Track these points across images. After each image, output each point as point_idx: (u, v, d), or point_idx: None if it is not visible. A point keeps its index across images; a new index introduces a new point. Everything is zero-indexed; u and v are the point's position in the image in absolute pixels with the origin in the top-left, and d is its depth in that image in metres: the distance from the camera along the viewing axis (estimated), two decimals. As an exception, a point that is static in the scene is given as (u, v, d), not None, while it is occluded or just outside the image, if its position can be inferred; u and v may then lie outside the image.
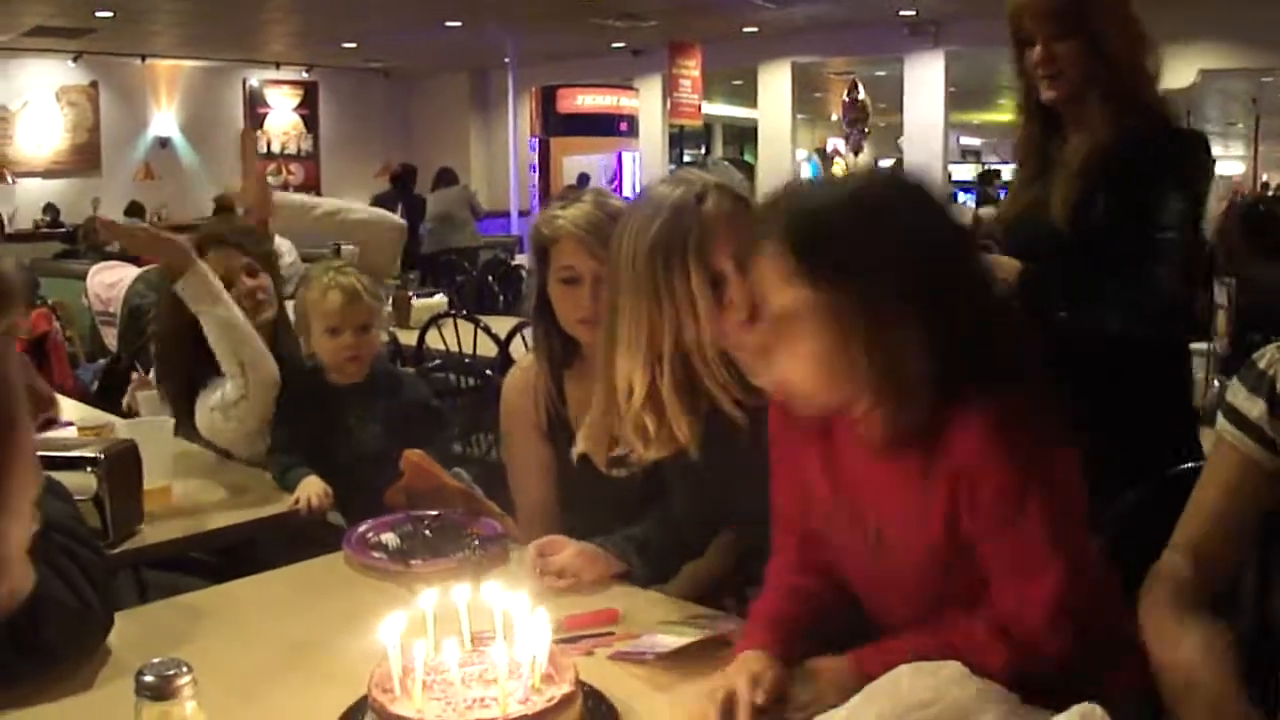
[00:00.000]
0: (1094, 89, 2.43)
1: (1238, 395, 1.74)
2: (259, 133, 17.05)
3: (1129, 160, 2.39)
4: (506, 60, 14.74)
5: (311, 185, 17.11)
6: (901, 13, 13.02)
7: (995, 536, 1.49)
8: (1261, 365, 1.73)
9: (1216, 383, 3.59)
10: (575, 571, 2.01)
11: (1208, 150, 2.55)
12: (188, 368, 3.04)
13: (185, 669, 1.33)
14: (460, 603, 1.56)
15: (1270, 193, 16.10)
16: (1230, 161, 20.74)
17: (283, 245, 4.98)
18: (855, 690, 1.45)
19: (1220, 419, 1.77)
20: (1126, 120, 2.41)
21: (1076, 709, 1.15)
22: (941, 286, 1.49)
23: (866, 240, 1.49)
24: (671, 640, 1.74)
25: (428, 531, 2.29)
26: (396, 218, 3.49)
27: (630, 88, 15.46)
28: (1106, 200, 2.39)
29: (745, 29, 14.37)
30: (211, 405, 2.98)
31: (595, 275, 2.20)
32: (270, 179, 15.77)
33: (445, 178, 12.27)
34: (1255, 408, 1.71)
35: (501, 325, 5.35)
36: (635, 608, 1.95)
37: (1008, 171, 22.02)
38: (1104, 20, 2.41)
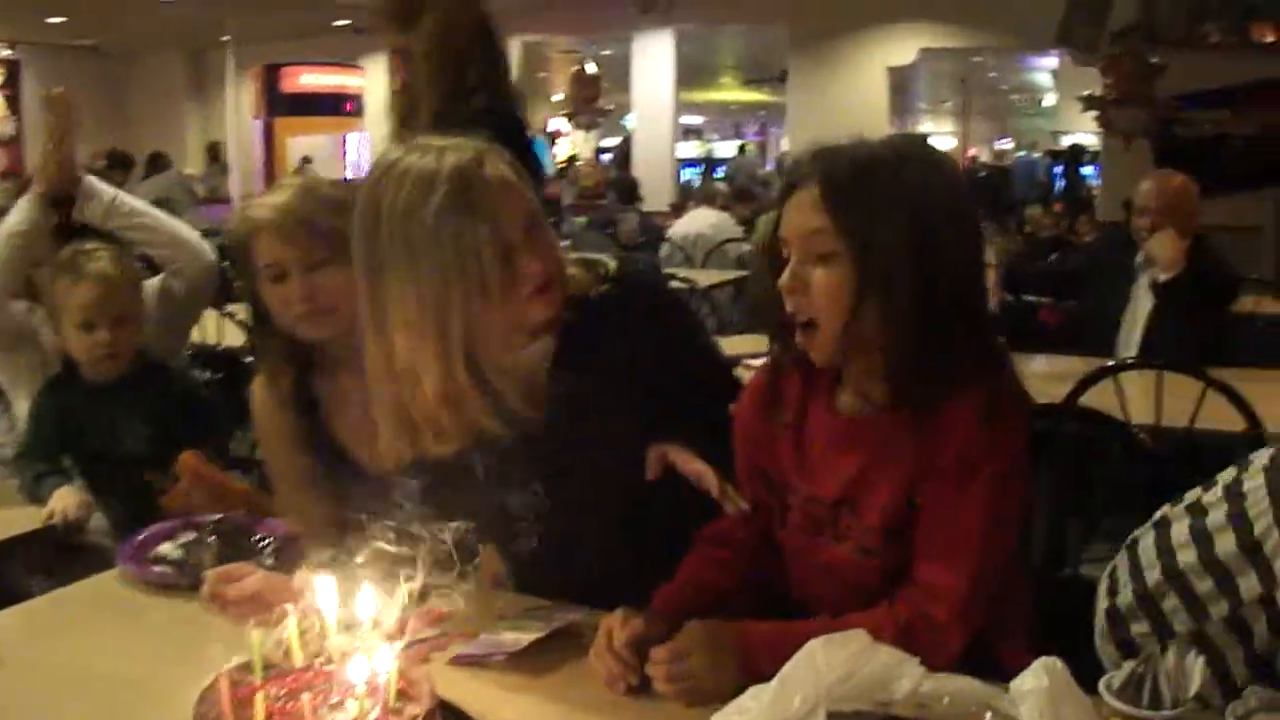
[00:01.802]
0: (420, 77, 2.84)
1: None
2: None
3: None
4: (226, 38, 14.11)
5: (15, 171, 15.97)
6: (631, -11, 13.04)
7: (935, 505, 1.56)
8: None
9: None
10: (266, 602, 1.64)
11: (515, 127, 2.86)
12: None
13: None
14: (290, 614, 1.39)
15: (983, 167, 16.98)
16: (942, 137, 21.69)
17: None
18: (730, 660, 1.47)
19: None
20: (450, 103, 2.80)
21: (1039, 663, 1.10)
22: (957, 254, 1.59)
23: (899, 190, 1.56)
24: (515, 637, 1.62)
25: (212, 538, 2.07)
26: (210, 253, 3.03)
27: (356, 66, 15.01)
28: None
29: (473, 6, 14.13)
30: None
31: (304, 263, 2.06)
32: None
33: (157, 163, 11.65)
34: None
35: (245, 312, 5.07)
36: (464, 604, 1.79)
37: (726, 149, 22.65)
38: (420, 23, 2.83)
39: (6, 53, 16.49)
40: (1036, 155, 19.33)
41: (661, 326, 1.90)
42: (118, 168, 11.34)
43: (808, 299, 1.60)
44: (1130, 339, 4.09)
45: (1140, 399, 2.98)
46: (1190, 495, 1.54)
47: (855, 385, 1.68)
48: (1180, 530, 1.49)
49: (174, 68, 17.18)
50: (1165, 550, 1.49)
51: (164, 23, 14.48)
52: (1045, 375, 3.72)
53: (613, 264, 1.92)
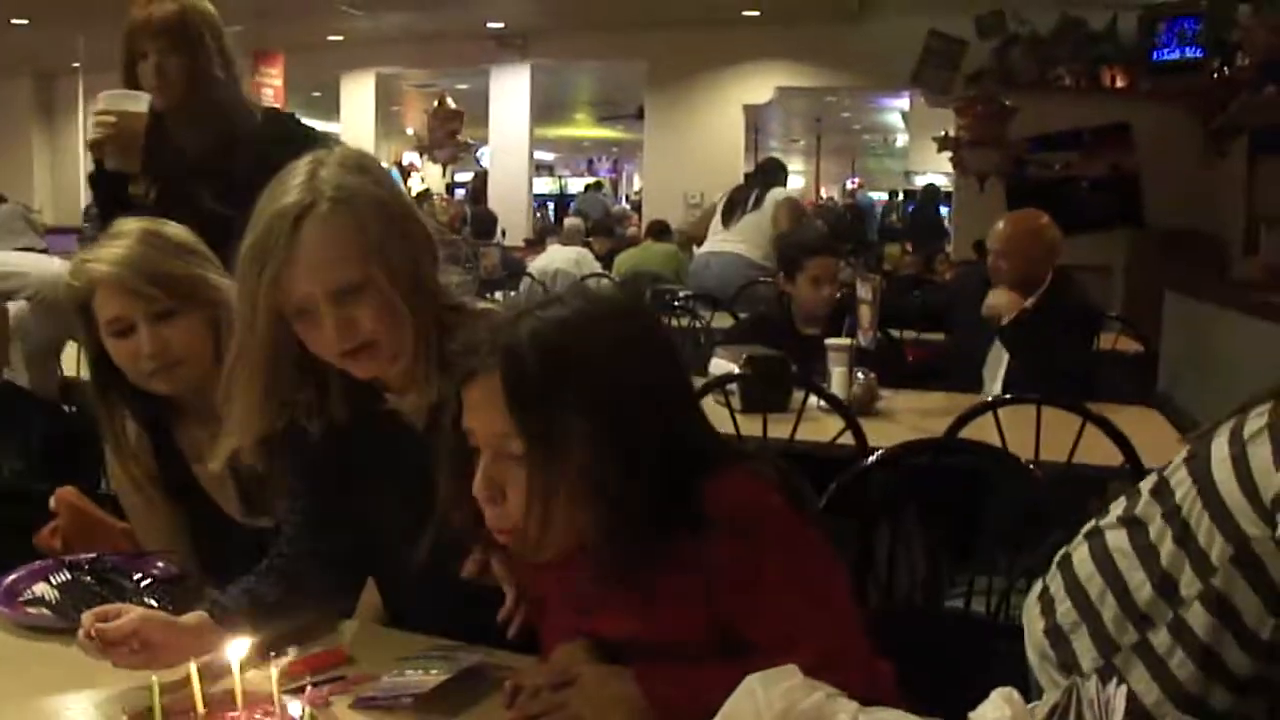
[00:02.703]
0: (192, 99, 2.86)
1: None
2: None
3: (222, 157, 2.82)
4: (76, 64, 13.68)
5: None
6: (490, 24, 13.00)
7: (750, 614, 1.44)
8: None
9: (860, 375, 3.74)
10: (146, 641, 1.59)
11: (290, 140, 2.80)
12: None
13: None
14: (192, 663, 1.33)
15: (843, 207, 17.28)
16: (792, 176, 22.00)
17: None
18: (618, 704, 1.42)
19: None
20: (218, 125, 2.90)
21: (998, 694, 1.09)
22: (658, 406, 1.46)
23: (582, 383, 1.41)
24: (421, 678, 1.56)
25: (89, 578, 1.98)
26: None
27: (210, 95, 14.67)
28: (211, 185, 2.77)
29: (330, 37, 13.97)
30: None
31: (150, 314, 2.00)
32: None
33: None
34: None
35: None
36: (361, 644, 1.75)
37: (578, 185, 22.68)
38: (202, 44, 2.87)
39: None
40: (879, 195, 19.80)
41: None
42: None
43: (505, 511, 1.46)
44: (995, 374, 4.18)
45: (1008, 433, 3.03)
46: (1115, 508, 1.59)
47: None
48: (1118, 539, 1.53)
49: (19, 93, 16.65)
50: (1103, 557, 1.54)
51: (12, 47, 14.02)
52: (918, 410, 3.80)
53: None
